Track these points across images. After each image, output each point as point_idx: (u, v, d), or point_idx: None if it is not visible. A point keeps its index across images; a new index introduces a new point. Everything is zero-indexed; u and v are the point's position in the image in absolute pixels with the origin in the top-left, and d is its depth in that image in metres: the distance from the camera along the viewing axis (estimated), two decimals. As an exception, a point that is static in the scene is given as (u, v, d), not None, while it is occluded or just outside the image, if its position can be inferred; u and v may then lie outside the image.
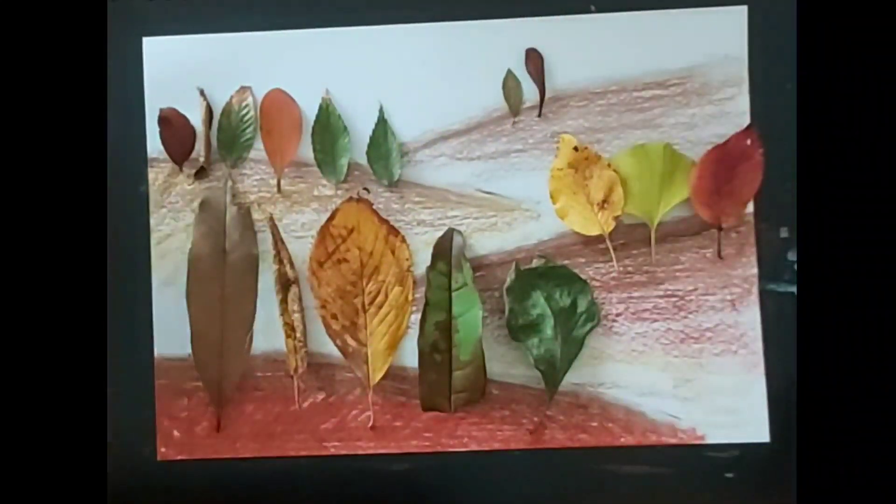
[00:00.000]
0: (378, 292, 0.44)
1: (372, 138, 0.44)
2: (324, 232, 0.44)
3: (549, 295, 0.43)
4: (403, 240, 0.44)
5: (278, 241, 0.44)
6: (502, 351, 0.44)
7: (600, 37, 0.44)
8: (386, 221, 0.44)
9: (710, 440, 0.43)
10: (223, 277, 0.44)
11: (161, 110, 0.45)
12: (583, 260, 0.44)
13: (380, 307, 0.44)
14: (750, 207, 0.43)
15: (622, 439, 0.43)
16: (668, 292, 0.43)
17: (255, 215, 0.45)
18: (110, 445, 0.43)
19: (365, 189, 0.44)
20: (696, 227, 0.43)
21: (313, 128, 0.44)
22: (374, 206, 0.44)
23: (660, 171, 0.43)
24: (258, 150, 0.45)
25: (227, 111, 0.45)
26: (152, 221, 0.45)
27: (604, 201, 0.43)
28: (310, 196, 0.45)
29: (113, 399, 0.44)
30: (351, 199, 0.44)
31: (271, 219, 0.44)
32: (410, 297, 0.44)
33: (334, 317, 0.44)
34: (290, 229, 0.44)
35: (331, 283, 0.44)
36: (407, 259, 0.44)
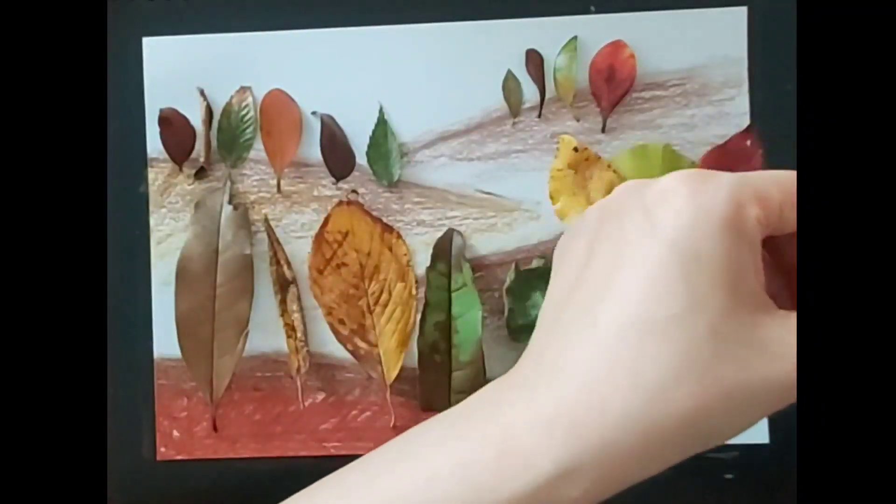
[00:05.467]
0: (381, 291, 0.44)
1: (372, 139, 0.44)
2: (319, 239, 0.44)
3: (549, 295, 0.43)
4: (399, 236, 0.44)
5: (274, 243, 0.44)
6: (502, 351, 0.44)
7: (600, 37, 0.44)
8: (379, 220, 0.44)
9: (709, 441, 0.43)
10: (214, 277, 0.44)
11: (161, 110, 0.45)
12: (583, 260, 0.44)
13: (385, 306, 0.44)
14: (750, 208, 0.43)
15: (622, 440, 0.43)
16: (668, 293, 0.43)
17: (254, 216, 0.45)
18: (110, 445, 0.43)
19: (353, 192, 0.44)
20: (695, 227, 0.43)
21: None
22: (374, 207, 0.44)
23: (660, 171, 0.43)
24: (258, 151, 0.45)
25: (227, 111, 0.45)
26: (152, 221, 0.45)
27: (604, 202, 0.43)
28: (310, 196, 0.45)
29: (113, 399, 0.44)
30: (341, 202, 0.44)
31: (265, 220, 0.44)
32: (414, 292, 0.44)
33: (342, 322, 0.44)
34: (290, 230, 0.44)
35: (333, 289, 0.44)
36: (405, 254, 0.44)
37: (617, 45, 0.43)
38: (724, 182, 0.24)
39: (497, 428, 0.23)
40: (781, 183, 0.25)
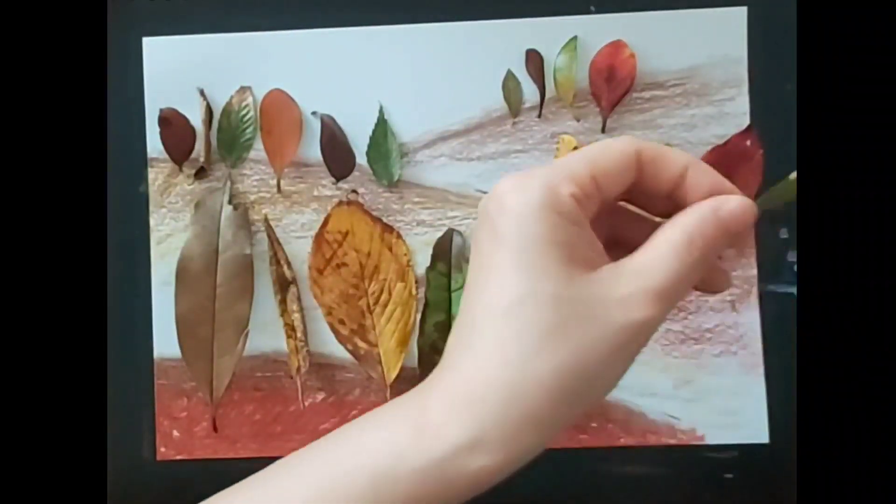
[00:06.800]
0: (381, 291, 0.44)
1: (372, 139, 0.44)
2: (319, 239, 0.44)
3: (549, 295, 0.43)
4: (399, 236, 0.44)
5: (274, 243, 0.44)
6: (502, 351, 0.44)
7: (600, 37, 0.44)
8: (379, 220, 0.44)
9: (709, 441, 0.43)
10: (214, 277, 0.44)
11: (161, 110, 0.45)
12: (582, 260, 0.44)
13: (385, 306, 0.44)
14: (750, 208, 0.43)
15: (622, 440, 0.43)
16: (668, 293, 0.43)
17: (254, 216, 0.45)
18: (110, 445, 0.43)
19: (353, 192, 0.44)
20: (695, 227, 0.43)
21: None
22: (374, 207, 0.44)
23: (660, 171, 0.43)
24: (258, 150, 0.45)
25: (227, 111, 0.45)
26: (152, 221, 0.45)
27: (604, 202, 0.43)
28: (310, 196, 0.45)
29: (113, 399, 0.44)
30: (341, 202, 0.44)
31: (266, 220, 0.44)
32: (414, 292, 0.44)
33: (342, 322, 0.44)
34: (290, 229, 0.44)
35: (333, 289, 0.44)
36: (405, 254, 0.44)
37: (617, 46, 0.43)
38: (539, 173, 0.27)
39: (416, 408, 0.27)
40: (589, 157, 0.28)
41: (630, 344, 0.27)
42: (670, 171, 0.28)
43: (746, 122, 0.43)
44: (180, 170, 0.45)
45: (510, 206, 0.27)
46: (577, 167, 0.27)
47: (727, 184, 0.29)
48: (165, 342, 0.44)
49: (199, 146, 0.45)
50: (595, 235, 0.28)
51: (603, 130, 0.44)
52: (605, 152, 0.28)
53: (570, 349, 0.25)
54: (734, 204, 0.28)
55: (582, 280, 0.26)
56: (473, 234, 0.29)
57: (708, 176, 0.28)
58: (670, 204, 0.29)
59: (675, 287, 0.27)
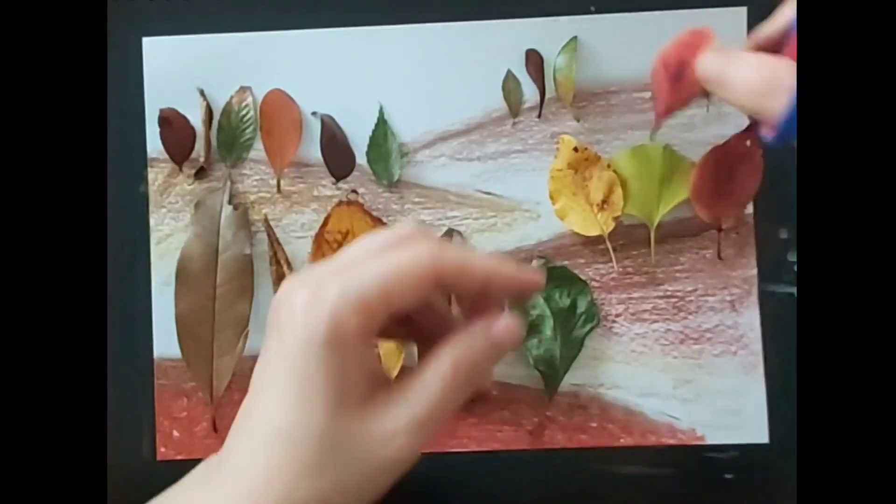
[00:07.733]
0: (380, 291, 0.44)
1: (372, 139, 0.44)
2: (319, 239, 0.44)
3: (549, 295, 0.43)
4: (399, 236, 0.44)
5: (274, 243, 0.44)
6: (502, 351, 0.44)
7: (600, 37, 0.44)
8: (379, 220, 0.44)
9: (709, 441, 0.43)
10: (214, 277, 0.44)
11: (161, 110, 0.45)
12: (582, 260, 0.44)
13: (384, 305, 0.44)
14: (750, 208, 0.43)
15: (621, 440, 0.43)
16: (668, 293, 0.43)
17: (254, 216, 0.45)
18: (110, 445, 0.43)
19: (353, 192, 0.44)
20: (695, 227, 0.43)
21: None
22: (374, 207, 0.44)
23: (659, 171, 0.43)
24: (258, 151, 0.45)
25: (227, 111, 0.45)
26: (152, 221, 0.45)
27: (603, 202, 0.43)
28: (310, 196, 0.45)
29: (113, 399, 0.44)
30: (341, 202, 0.44)
31: (265, 220, 0.44)
32: (413, 292, 0.43)
33: (342, 321, 0.43)
34: (290, 230, 0.44)
35: (333, 288, 0.44)
36: (406, 256, 0.44)
37: (700, 35, 0.35)
38: (328, 298, 0.27)
39: None
40: (383, 279, 0.27)
41: (389, 475, 0.28)
42: (471, 283, 0.29)
43: (746, 122, 0.43)
44: (180, 170, 0.45)
45: (299, 331, 0.27)
46: (369, 292, 0.27)
47: (525, 277, 0.30)
48: (165, 342, 0.44)
49: (199, 146, 0.45)
50: (376, 360, 0.28)
51: (651, 139, 0.42)
52: (401, 274, 0.27)
53: (331, 483, 0.27)
54: (503, 325, 0.29)
55: (350, 415, 0.27)
56: (269, 325, 0.29)
57: (507, 278, 0.29)
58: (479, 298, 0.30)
59: (438, 416, 0.28)
